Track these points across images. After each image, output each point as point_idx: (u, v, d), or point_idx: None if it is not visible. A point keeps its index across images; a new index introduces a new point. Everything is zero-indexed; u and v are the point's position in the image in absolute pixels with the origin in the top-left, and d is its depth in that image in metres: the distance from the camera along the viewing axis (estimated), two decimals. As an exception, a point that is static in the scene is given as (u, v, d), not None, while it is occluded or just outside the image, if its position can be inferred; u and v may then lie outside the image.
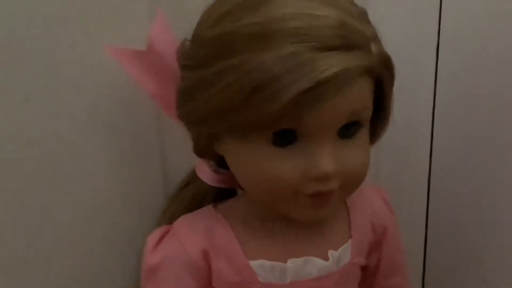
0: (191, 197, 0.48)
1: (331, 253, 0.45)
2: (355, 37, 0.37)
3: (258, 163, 0.39)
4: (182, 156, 0.50)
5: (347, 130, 0.39)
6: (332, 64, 0.35)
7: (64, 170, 0.48)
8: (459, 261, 0.64)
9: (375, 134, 0.44)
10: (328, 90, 0.36)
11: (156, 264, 0.43)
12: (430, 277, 0.70)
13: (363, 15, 0.39)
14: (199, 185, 0.48)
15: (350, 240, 0.46)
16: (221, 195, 0.48)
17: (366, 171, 0.42)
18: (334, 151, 0.39)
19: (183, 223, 0.44)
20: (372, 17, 0.41)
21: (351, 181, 0.41)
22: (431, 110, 0.64)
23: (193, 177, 0.49)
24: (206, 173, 0.47)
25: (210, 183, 0.47)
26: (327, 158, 0.38)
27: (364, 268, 0.50)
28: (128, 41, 0.46)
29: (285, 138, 0.38)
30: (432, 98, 0.63)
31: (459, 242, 0.64)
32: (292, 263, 0.43)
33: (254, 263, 0.43)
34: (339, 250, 0.45)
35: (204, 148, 0.43)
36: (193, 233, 0.43)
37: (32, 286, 0.49)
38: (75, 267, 0.50)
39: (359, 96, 0.38)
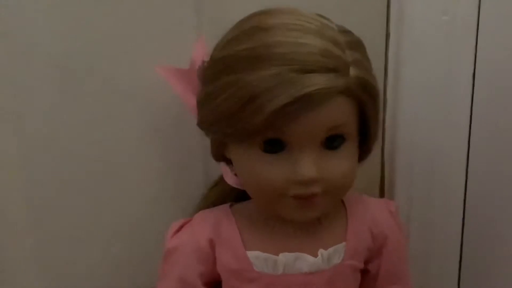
0: (216, 196, 0.57)
1: (321, 251, 0.50)
2: (333, 62, 0.43)
3: (251, 167, 0.46)
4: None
5: (332, 142, 0.45)
6: (309, 84, 0.42)
7: (120, 168, 0.60)
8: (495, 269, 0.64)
9: (363, 151, 0.49)
10: (305, 105, 0.42)
11: (172, 248, 0.52)
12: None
13: (351, 44, 0.45)
14: (224, 186, 0.56)
15: (344, 243, 0.51)
16: (241, 197, 0.55)
17: (349, 180, 0.47)
18: (317, 160, 0.45)
19: (198, 216, 0.53)
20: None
21: (334, 188, 0.46)
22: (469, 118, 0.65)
23: (221, 178, 0.57)
24: (229, 176, 0.55)
25: (232, 185, 0.55)
26: (309, 164, 0.44)
27: (365, 273, 0.54)
28: (176, 59, 0.55)
29: (273, 146, 0.45)
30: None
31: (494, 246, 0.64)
32: (283, 257, 0.49)
33: (250, 254, 0.50)
34: (329, 249, 0.50)
35: (217, 152, 0.51)
36: (204, 225, 0.51)
37: (93, 262, 0.61)
38: (127, 250, 0.61)
39: (336, 113, 0.44)
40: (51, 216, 0.60)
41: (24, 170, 0.58)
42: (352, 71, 0.44)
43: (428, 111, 0.64)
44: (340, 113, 0.44)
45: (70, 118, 0.58)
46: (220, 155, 0.51)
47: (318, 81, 0.42)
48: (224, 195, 0.56)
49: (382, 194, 0.69)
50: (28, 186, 0.59)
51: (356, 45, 0.46)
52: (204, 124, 0.48)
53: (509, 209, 0.61)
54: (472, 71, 0.62)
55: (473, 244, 0.68)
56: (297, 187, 0.45)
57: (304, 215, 0.47)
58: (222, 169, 0.55)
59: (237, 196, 0.56)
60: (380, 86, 0.61)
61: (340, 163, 0.46)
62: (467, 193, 0.66)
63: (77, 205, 0.60)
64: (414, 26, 0.62)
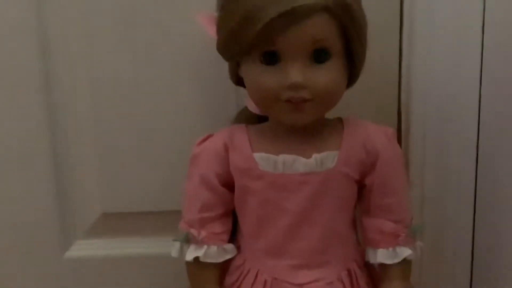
0: (241, 119, 0.67)
1: (315, 155, 0.58)
2: None
3: (254, 77, 0.57)
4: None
5: (318, 56, 0.55)
6: (294, 1, 0.52)
7: (162, 103, 0.73)
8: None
9: (351, 75, 0.59)
10: (291, 19, 0.53)
11: (196, 154, 0.63)
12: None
13: None
14: (246, 112, 0.67)
15: (337, 152, 0.59)
16: (260, 121, 0.66)
17: (334, 90, 0.57)
18: (304, 69, 0.55)
19: (219, 130, 0.64)
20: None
21: (320, 95, 0.55)
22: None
23: (245, 107, 0.68)
24: (249, 104, 0.66)
25: (251, 110, 0.65)
26: (297, 72, 0.54)
27: (363, 188, 0.62)
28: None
29: (270, 58, 0.55)
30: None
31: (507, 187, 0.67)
32: (282, 157, 0.59)
33: (256, 155, 0.60)
34: (322, 154, 0.58)
35: (233, 74, 0.62)
36: (221, 135, 0.63)
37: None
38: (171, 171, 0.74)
39: (319, 28, 0.54)
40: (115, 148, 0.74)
41: (93, 109, 0.74)
42: None
43: (441, 62, 0.70)
44: (322, 28, 0.54)
45: (129, 62, 0.72)
46: (235, 76, 0.62)
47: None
48: (247, 118, 0.66)
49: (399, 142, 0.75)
50: (97, 124, 0.74)
51: None
52: (219, 46, 0.59)
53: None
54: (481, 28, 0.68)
55: (486, 189, 0.72)
56: (287, 91, 0.55)
57: (297, 118, 0.57)
58: (246, 100, 0.66)
59: (257, 120, 0.66)
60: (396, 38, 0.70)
61: (325, 74, 0.55)
62: (479, 141, 0.71)
63: (133, 136, 0.75)
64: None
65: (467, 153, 0.72)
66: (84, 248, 0.79)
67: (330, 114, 0.62)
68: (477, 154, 0.71)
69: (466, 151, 0.72)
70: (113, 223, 0.78)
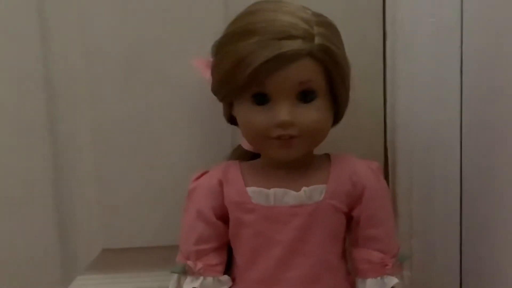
0: (235, 156, 0.71)
1: (304, 188, 0.62)
2: (300, 32, 0.58)
3: (245, 117, 0.61)
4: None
5: (305, 97, 0.60)
6: (281, 47, 0.57)
7: (161, 141, 0.78)
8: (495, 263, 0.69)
9: (336, 113, 0.64)
10: (279, 63, 0.58)
11: (192, 189, 0.67)
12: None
13: (320, 23, 0.60)
14: (241, 149, 0.71)
15: (325, 185, 0.63)
16: (253, 158, 0.70)
17: (320, 127, 0.61)
18: (292, 108, 0.59)
19: (214, 167, 0.68)
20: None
21: (307, 132, 0.60)
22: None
23: (239, 145, 0.72)
24: (243, 141, 0.70)
25: (245, 148, 0.70)
26: (284, 111, 0.59)
27: (351, 219, 0.65)
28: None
29: (260, 99, 0.60)
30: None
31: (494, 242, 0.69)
32: (273, 191, 0.62)
33: (249, 189, 0.64)
34: (311, 187, 0.62)
35: (226, 113, 0.66)
36: (215, 170, 0.66)
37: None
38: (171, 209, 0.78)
39: (304, 71, 0.59)
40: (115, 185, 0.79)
41: (95, 148, 0.78)
42: (317, 40, 0.59)
43: (423, 98, 0.75)
44: (308, 71, 0.59)
45: (130, 103, 0.77)
46: (228, 115, 0.66)
47: (288, 45, 0.57)
48: (241, 156, 0.70)
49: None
50: (98, 161, 0.78)
51: (325, 24, 0.61)
52: (214, 88, 0.64)
53: (505, 178, 0.66)
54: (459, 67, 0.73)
55: (471, 221, 0.75)
56: (277, 129, 0.59)
57: (286, 154, 0.61)
58: (240, 139, 0.70)
59: (251, 157, 0.70)
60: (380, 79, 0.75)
61: (311, 113, 0.60)
62: (462, 175, 0.75)
63: (133, 173, 0.79)
64: (406, 27, 0.74)
65: (451, 186, 0.75)
66: (85, 284, 0.81)
67: (318, 151, 0.67)
68: (461, 188, 0.75)
69: (451, 183, 0.75)
70: (114, 258, 0.81)
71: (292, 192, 0.62)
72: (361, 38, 0.76)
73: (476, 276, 0.74)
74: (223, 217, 0.66)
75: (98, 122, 0.78)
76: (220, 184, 0.65)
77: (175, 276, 0.66)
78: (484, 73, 0.70)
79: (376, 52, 0.77)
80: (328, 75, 0.60)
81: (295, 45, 0.57)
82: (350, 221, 0.65)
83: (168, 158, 0.78)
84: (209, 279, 0.65)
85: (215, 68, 0.62)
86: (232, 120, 0.67)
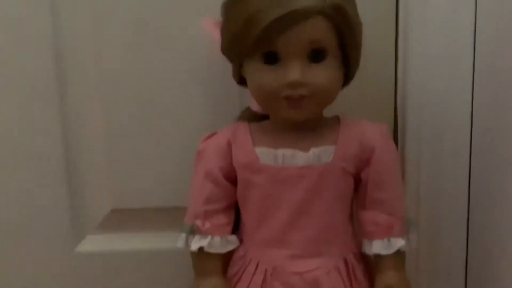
0: (244, 118, 0.70)
1: (312, 149, 0.62)
2: None
3: (254, 76, 0.61)
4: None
5: (315, 56, 0.59)
6: (293, 4, 0.56)
7: (170, 103, 0.77)
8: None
9: (347, 74, 0.63)
10: (290, 21, 0.57)
11: (202, 150, 0.67)
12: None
13: None
14: (250, 110, 0.71)
15: (334, 147, 0.62)
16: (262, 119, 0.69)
17: (330, 87, 0.61)
18: (303, 68, 0.58)
19: (223, 128, 0.68)
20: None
21: (318, 92, 0.59)
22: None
23: (247, 107, 0.71)
24: (252, 103, 0.69)
25: (254, 109, 0.69)
26: (295, 70, 0.58)
27: (359, 182, 0.65)
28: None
29: (270, 58, 0.59)
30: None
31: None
32: (281, 151, 0.62)
33: (257, 149, 0.63)
34: (320, 148, 0.62)
35: (236, 74, 0.66)
36: (224, 131, 0.67)
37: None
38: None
39: (316, 29, 0.58)
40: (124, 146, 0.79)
41: (104, 109, 0.78)
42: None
43: (435, 59, 0.73)
44: (319, 30, 0.58)
45: (139, 65, 0.77)
46: (238, 76, 0.65)
47: (300, 2, 0.56)
48: (250, 117, 0.70)
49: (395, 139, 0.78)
50: (107, 122, 0.79)
51: None
52: (223, 48, 0.63)
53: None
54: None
55: (479, 186, 0.75)
56: (287, 89, 0.59)
57: (295, 114, 0.60)
58: (249, 100, 0.70)
59: (260, 119, 0.70)
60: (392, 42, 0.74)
61: (322, 73, 0.59)
62: (472, 138, 0.74)
63: (142, 134, 0.79)
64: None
65: (461, 150, 0.74)
66: (94, 243, 0.83)
67: (328, 113, 0.66)
68: (471, 152, 0.74)
69: (461, 148, 0.74)
70: (123, 218, 0.82)
71: (301, 153, 0.62)
72: (374, 0, 0.74)
73: (483, 243, 0.75)
74: (232, 178, 0.66)
75: (107, 82, 0.77)
76: (229, 144, 0.65)
77: (183, 235, 0.66)
78: (498, 39, 0.68)
79: (388, 15, 0.76)
80: (340, 35, 0.59)
81: (307, 2, 0.56)
82: (358, 183, 0.65)
83: (177, 119, 0.78)
84: (217, 239, 0.65)
85: (225, 27, 0.62)
86: (241, 81, 0.66)
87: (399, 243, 0.64)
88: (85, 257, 0.82)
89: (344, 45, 0.60)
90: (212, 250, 0.65)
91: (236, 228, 0.69)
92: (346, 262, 0.65)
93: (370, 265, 0.68)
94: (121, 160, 0.79)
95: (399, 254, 0.65)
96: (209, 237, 0.65)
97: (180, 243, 0.66)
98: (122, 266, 0.82)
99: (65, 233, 0.82)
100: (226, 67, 0.68)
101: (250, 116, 0.70)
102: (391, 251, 0.64)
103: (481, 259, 0.75)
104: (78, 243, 0.83)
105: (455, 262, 0.78)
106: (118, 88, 0.77)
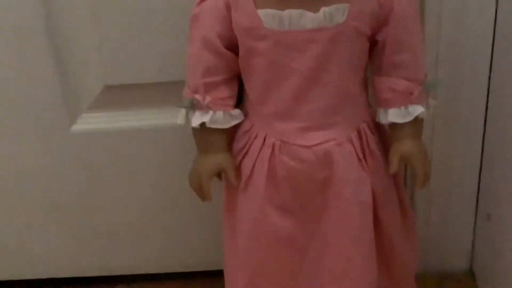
0: None
1: (323, 9, 0.54)
2: None
3: None
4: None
5: None
6: None
7: None
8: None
9: None
10: None
11: (196, 14, 0.59)
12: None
13: None
14: None
15: (348, 4, 0.55)
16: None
17: None
18: None
19: None
20: None
21: None
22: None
23: None
24: None
25: None
26: None
27: (375, 45, 0.58)
28: None
29: None
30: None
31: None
32: (288, 12, 0.54)
33: (260, 11, 0.56)
34: (332, 7, 0.54)
35: None
36: None
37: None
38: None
39: None
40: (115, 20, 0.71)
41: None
42: None
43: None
44: None
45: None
46: None
47: None
48: None
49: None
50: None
51: None
52: None
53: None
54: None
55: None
56: None
57: None
58: None
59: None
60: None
61: None
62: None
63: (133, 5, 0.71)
64: None
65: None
66: (90, 122, 0.78)
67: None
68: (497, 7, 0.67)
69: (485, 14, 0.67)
70: (117, 95, 0.77)
71: (310, 14, 0.54)
72: None
73: (503, 111, 0.69)
74: (232, 46, 0.59)
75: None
76: (228, 7, 0.57)
77: (183, 111, 0.61)
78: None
79: None
80: None
81: None
82: (374, 46, 0.59)
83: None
84: (219, 113, 0.60)
85: None
86: None
87: (418, 110, 0.59)
88: (81, 136, 0.79)
89: None
90: (215, 126, 0.60)
91: (240, 101, 0.63)
92: (359, 133, 0.60)
93: (384, 135, 0.63)
94: (111, 32, 0.72)
95: (417, 122, 0.60)
96: (211, 112, 0.59)
97: (180, 120, 0.61)
98: (120, 145, 0.79)
99: (58, 113, 0.77)
100: None
101: None
102: (408, 119, 0.59)
103: (500, 119, 0.70)
104: (73, 122, 0.78)
105: (473, 125, 0.75)
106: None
